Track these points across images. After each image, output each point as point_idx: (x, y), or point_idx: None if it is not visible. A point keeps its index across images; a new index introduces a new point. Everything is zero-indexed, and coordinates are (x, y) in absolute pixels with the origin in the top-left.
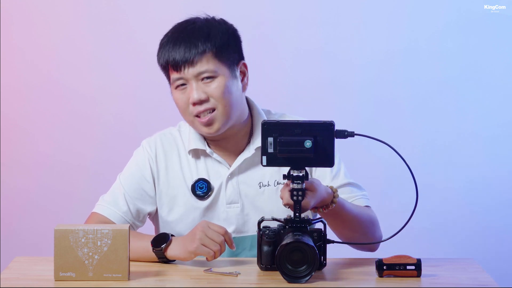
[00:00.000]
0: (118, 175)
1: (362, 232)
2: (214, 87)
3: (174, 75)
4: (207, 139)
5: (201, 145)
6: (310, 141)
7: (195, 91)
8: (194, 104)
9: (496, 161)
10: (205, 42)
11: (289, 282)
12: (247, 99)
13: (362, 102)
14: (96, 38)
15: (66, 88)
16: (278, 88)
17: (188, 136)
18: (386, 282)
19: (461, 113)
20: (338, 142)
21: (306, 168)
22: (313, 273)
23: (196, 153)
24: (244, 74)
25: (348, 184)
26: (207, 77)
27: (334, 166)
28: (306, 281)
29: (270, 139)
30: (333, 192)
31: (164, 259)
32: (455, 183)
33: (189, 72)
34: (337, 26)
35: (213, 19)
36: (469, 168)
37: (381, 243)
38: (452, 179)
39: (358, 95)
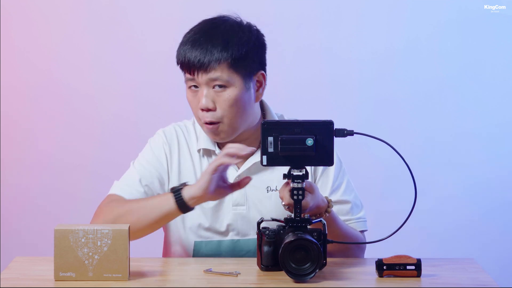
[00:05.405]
0: (131, 163)
1: (345, 249)
2: (223, 98)
3: (187, 76)
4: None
5: (211, 145)
6: (311, 139)
7: (204, 98)
8: (202, 110)
9: (496, 161)
10: (221, 51)
11: (295, 280)
12: (262, 102)
13: (362, 101)
14: (96, 38)
15: (67, 88)
16: (277, 87)
17: (199, 135)
18: (386, 282)
19: (460, 113)
20: (337, 141)
21: (309, 173)
22: (317, 270)
23: (207, 152)
24: (260, 84)
25: (346, 203)
26: (219, 86)
27: (336, 179)
28: (311, 278)
29: (270, 139)
30: (328, 202)
31: (181, 201)
32: (454, 182)
33: (201, 77)
34: (337, 24)
35: (239, 24)
36: (468, 167)
37: (381, 243)
38: (451, 178)
39: (358, 94)
